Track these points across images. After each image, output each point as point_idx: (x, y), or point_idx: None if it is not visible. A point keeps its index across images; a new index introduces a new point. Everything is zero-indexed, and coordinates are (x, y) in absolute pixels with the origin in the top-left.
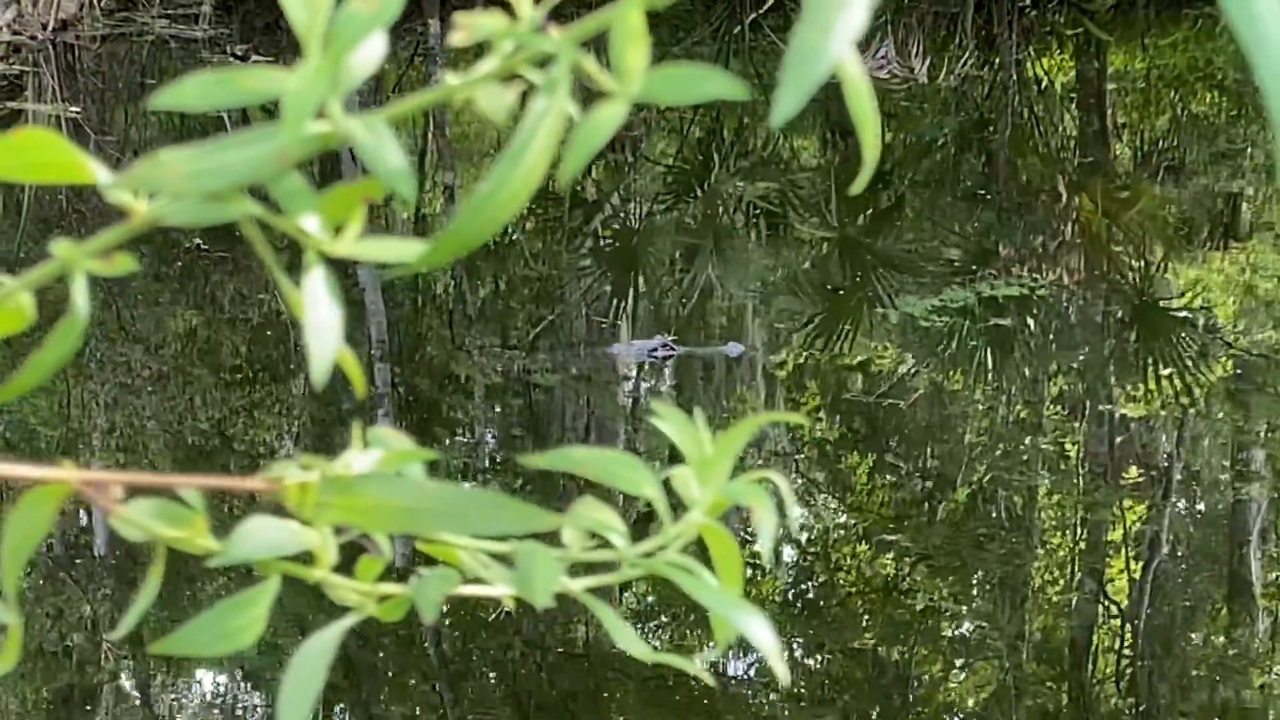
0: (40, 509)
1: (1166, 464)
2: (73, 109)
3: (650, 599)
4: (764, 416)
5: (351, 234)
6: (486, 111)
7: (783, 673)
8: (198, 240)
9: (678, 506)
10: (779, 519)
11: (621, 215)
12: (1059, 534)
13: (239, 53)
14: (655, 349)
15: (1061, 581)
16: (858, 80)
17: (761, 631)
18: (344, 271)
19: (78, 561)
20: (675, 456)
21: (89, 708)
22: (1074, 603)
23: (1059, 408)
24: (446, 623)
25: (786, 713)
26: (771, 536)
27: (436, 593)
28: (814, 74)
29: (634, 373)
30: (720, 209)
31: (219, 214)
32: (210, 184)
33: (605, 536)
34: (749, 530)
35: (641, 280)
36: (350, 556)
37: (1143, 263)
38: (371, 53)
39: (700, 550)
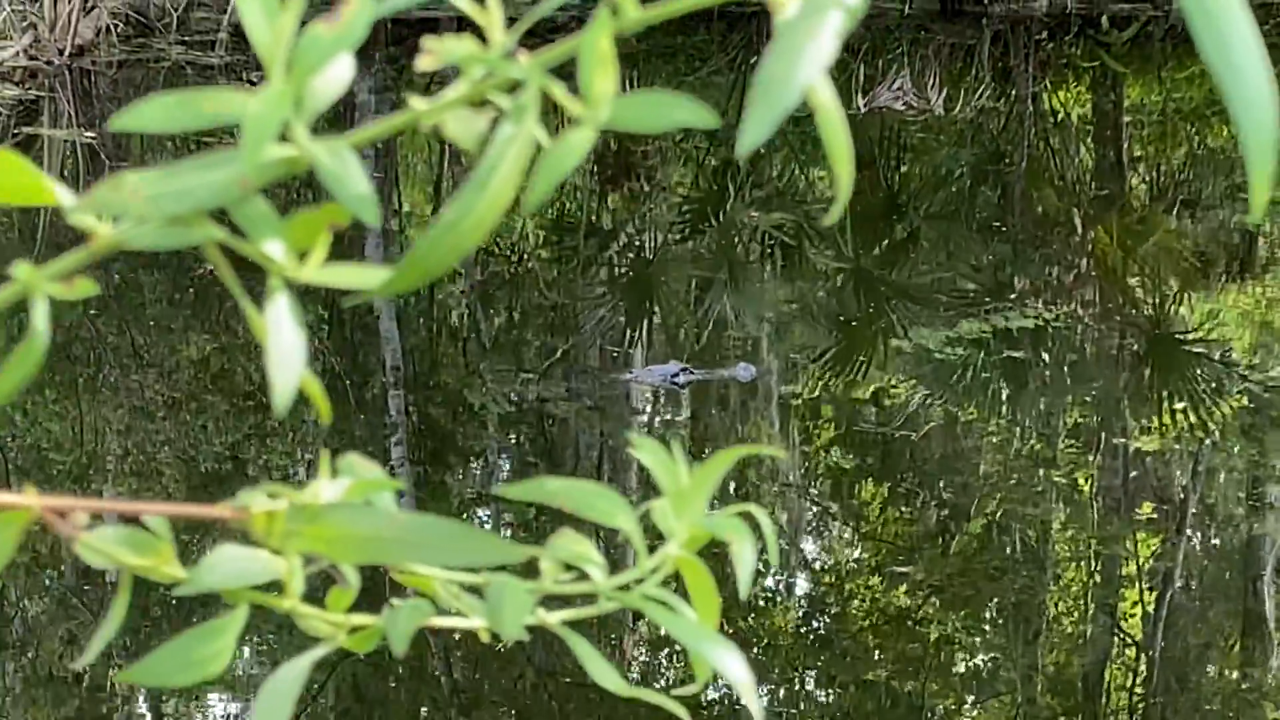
0: (2, 535)
1: (1181, 497)
2: (88, 134)
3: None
4: (741, 449)
5: (317, 260)
6: (455, 138)
7: (756, 709)
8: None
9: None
10: (758, 554)
11: (637, 244)
12: (1073, 567)
13: (254, 80)
14: (676, 374)
15: (1075, 614)
16: (830, 109)
17: (735, 667)
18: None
19: (86, 588)
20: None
21: None
22: (1088, 635)
23: (1073, 440)
24: (457, 652)
25: None
26: (750, 571)
27: (408, 625)
28: (781, 103)
29: (648, 402)
30: (735, 239)
31: (182, 238)
32: (172, 208)
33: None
34: (763, 560)
35: (656, 309)
36: (323, 585)
37: (1158, 296)
38: (338, 76)
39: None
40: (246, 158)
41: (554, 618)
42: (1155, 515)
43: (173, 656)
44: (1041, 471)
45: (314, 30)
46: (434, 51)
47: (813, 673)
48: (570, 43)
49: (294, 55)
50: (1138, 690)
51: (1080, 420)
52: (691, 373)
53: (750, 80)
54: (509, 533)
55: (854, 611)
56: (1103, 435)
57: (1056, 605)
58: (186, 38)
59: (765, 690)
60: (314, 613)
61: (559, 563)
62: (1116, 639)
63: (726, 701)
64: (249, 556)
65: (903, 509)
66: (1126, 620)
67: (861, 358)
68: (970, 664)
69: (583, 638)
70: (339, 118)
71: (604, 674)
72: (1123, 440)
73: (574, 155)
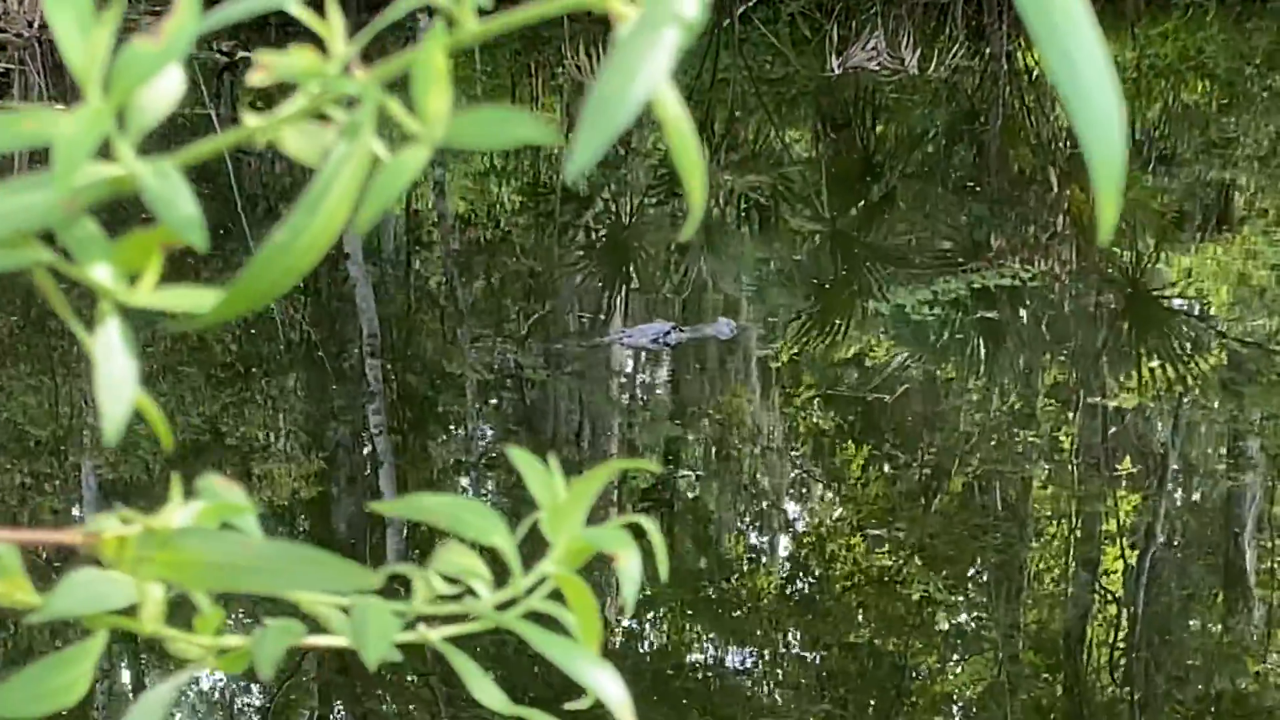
0: None
1: (1161, 454)
2: (59, 107)
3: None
4: (617, 464)
5: (149, 282)
6: (296, 154)
7: None
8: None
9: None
10: (639, 572)
11: (613, 209)
12: (1053, 525)
13: (225, 49)
14: (667, 333)
15: (1057, 572)
16: (679, 122)
17: (610, 687)
18: (334, 265)
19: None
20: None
21: None
22: (1070, 593)
23: (1052, 399)
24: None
25: (783, 705)
26: (635, 584)
27: (275, 647)
28: (615, 123)
29: (628, 367)
30: (711, 202)
31: (8, 261)
32: None
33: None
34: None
35: (634, 274)
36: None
37: (1135, 253)
38: (166, 90)
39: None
40: (58, 180)
41: (436, 635)
42: (1135, 472)
43: (26, 687)
44: (1021, 430)
45: (135, 45)
46: (268, 66)
47: (795, 633)
48: (405, 57)
49: (113, 72)
50: (1119, 646)
51: (1059, 378)
52: (681, 331)
53: (724, 42)
54: (495, 501)
55: (834, 572)
56: (1081, 393)
57: (1038, 563)
58: (157, 8)
59: (747, 653)
60: (180, 636)
61: (444, 576)
62: (1098, 596)
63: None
64: (106, 580)
65: (882, 469)
66: (1108, 577)
67: (839, 319)
68: (952, 623)
69: (465, 655)
70: None
71: (486, 692)
72: (1101, 398)
73: (406, 175)
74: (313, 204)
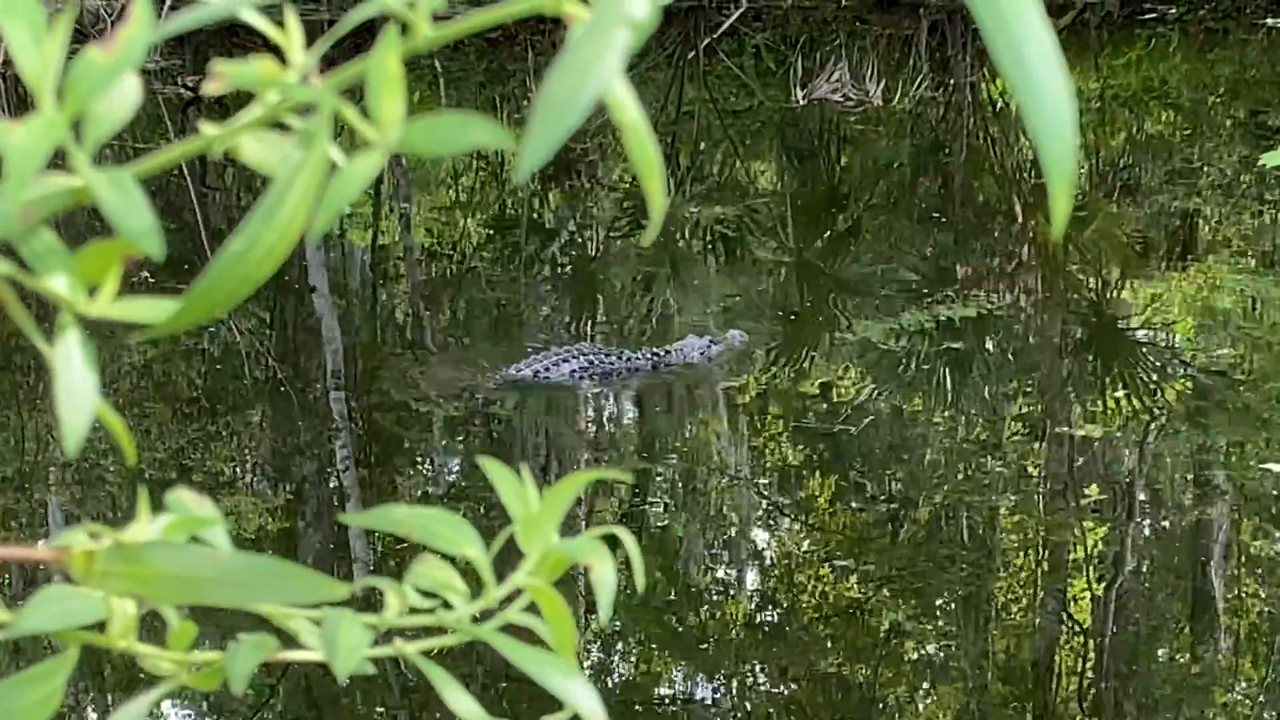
0: None
1: (1127, 483)
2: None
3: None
4: (588, 474)
5: (108, 293)
6: (255, 163)
7: None
8: (145, 273)
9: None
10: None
11: (579, 241)
12: (1021, 555)
13: (190, 84)
14: (709, 346)
15: (1025, 602)
16: (637, 126)
17: (584, 698)
18: (300, 299)
19: None
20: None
21: None
22: (1037, 623)
23: (1019, 428)
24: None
25: None
26: (610, 595)
27: (248, 662)
28: (564, 124)
29: (592, 401)
30: (677, 234)
31: None
32: None
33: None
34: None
35: (600, 305)
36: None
37: (1100, 282)
38: (123, 100)
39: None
40: (9, 191)
41: (411, 648)
42: (1102, 500)
43: None
44: (988, 460)
45: (88, 55)
46: (224, 75)
47: (764, 664)
48: (360, 64)
49: (67, 82)
50: (1088, 675)
51: (1025, 409)
52: (715, 344)
53: (689, 74)
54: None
55: (803, 604)
56: (1048, 423)
57: (1006, 593)
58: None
59: (717, 683)
60: (153, 651)
61: (421, 589)
62: (1065, 625)
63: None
64: (76, 596)
65: (849, 500)
66: (1075, 605)
67: (805, 349)
68: (921, 653)
69: (440, 667)
70: None
71: (461, 703)
72: (1068, 428)
73: (360, 182)
74: (269, 212)
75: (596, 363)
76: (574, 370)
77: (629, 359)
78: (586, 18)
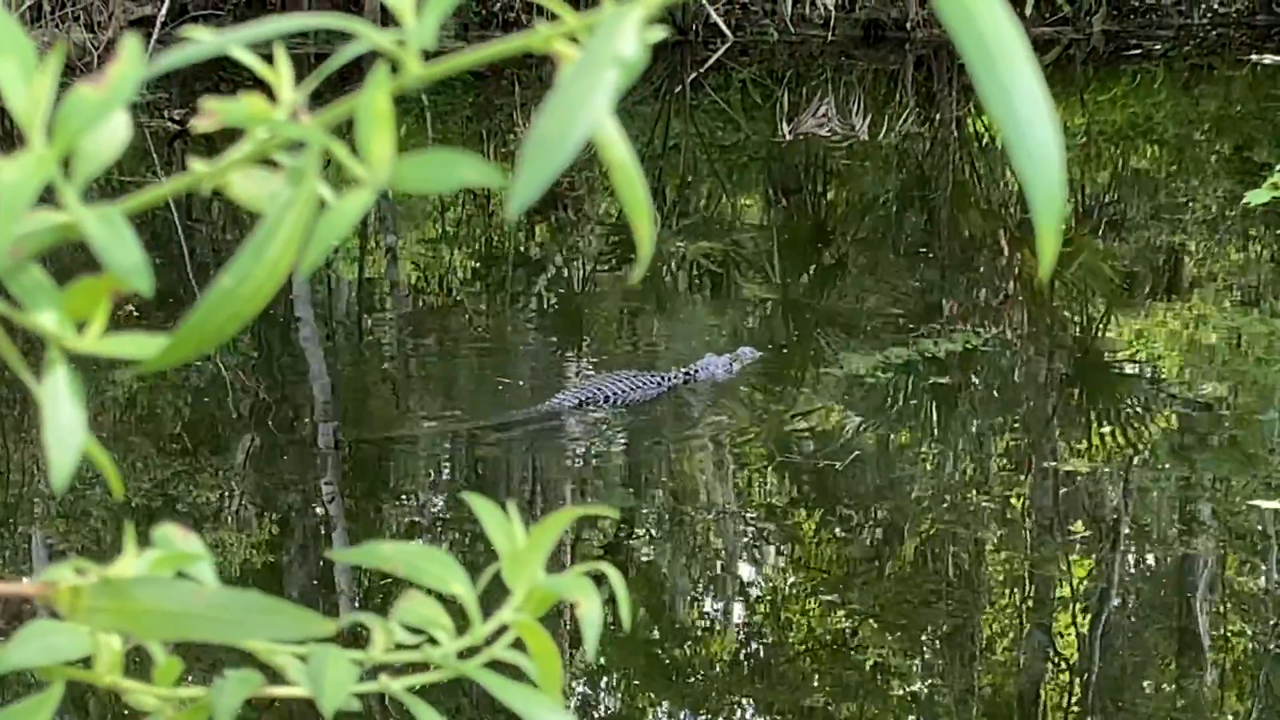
0: None
1: (1113, 518)
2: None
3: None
4: (574, 511)
5: (97, 329)
6: (243, 199)
7: None
8: (130, 306)
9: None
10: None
11: (565, 276)
12: (1007, 589)
13: (177, 117)
14: (731, 362)
15: (1011, 636)
16: (626, 165)
17: None
18: (286, 331)
19: None
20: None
21: None
22: (1023, 657)
23: (1005, 463)
24: None
25: None
26: (597, 632)
27: (234, 698)
28: (554, 163)
29: (577, 432)
30: (664, 269)
31: None
32: None
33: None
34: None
35: (586, 339)
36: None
37: (1085, 317)
38: (113, 137)
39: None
40: None
41: (397, 685)
42: (1088, 536)
43: None
44: (974, 495)
45: (79, 92)
46: (214, 113)
47: (749, 699)
48: (350, 101)
49: (57, 119)
50: (1074, 710)
51: (1011, 443)
52: (737, 360)
53: (675, 109)
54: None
55: (789, 638)
56: (1034, 458)
57: (991, 628)
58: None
59: (704, 718)
60: (138, 687)
61: (405, 626)
62: (1052, 660)
63: None
64: (62, 631)
65: (835, 534)
66: (1061, 640)
67: (791, 383)
68: (906, 688)
69: (426, 704)
70: None
71: None
72: (1054, 462)
73: (348, 220)
74: (258, 248)
75: (638, 385)
76: (615, 394)
77: (663, 379)
78: (576, 57)
